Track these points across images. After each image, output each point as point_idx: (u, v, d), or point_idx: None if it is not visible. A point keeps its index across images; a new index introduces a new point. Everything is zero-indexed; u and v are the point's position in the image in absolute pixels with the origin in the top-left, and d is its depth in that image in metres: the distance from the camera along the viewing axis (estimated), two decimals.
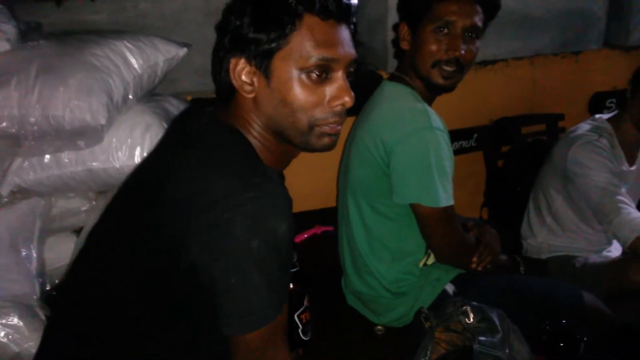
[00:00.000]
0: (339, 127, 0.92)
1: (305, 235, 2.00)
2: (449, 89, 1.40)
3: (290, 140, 0.92)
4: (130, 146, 1.46)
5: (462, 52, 1.33)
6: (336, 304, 1.62)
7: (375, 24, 2.19)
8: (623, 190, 1.66)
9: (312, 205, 2.17)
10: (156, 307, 0.86)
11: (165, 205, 0.85)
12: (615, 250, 1.85)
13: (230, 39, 0.89)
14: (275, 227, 0.80)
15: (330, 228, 1.92)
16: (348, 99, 0.89)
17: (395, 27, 1.45)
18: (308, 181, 2.14)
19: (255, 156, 0.90)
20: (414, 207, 1.35)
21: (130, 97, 1.48)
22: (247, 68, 0.89)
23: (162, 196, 0.86)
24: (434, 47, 1.33)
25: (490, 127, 2.29)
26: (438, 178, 1.29)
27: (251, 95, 0.90)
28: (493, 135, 2.26)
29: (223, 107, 0.95)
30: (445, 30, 1.33)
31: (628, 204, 1.62)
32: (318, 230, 2.02)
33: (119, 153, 1.46)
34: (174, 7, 1.87)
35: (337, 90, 0.89)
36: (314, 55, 0.86)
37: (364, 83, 1.70)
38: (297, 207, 2.22)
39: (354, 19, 0.93)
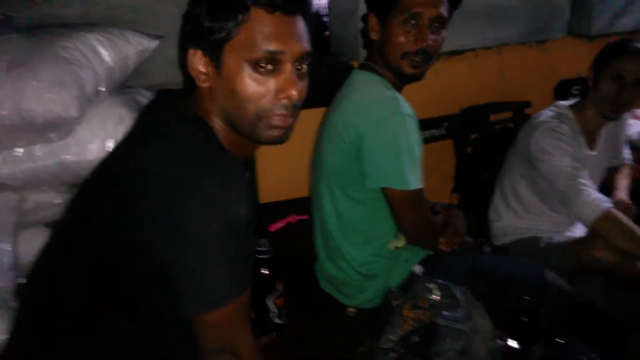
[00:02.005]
0: (290, 120, 0.93)
1: (281, 224, 2.03)
2: (418, 77, 1.44)
3: (241, 131, 0.94)
4: (102, 139, 1.47)
5: (430, 42, 1.37)
6: (310, 288, 1.66)
7: (347, 16, 2.22)
8: (584, 173, 1.72)
9: (287, 195, 2.20)
10: (120, 294, 0.89)
11: (129, 194, 0.87)
12: (578, 231, 1.92)
13: (190, 29, 0.92)
14: (235, 212, 0.83)
15: (305, 217, 1.96)
16: (294, 92, 0.90)
17: (364, 18, 1.48)
18: (283, 171, 2.18)
19: (217, 143, 0.92)
20: (385, 191, 1.39)
21: (102, 89, 1.49)
22: (203, 58, 0.91)
23: (126, 185, 0.88)
24: (402, 39, 1.38)
25: (459, 116, 2.34)
26: (408, 162, 1.34)
27: (206, 85, 0.92)
28: (462, 123, 2.31)
29: (188, 96, 0.97)
30: (413, 22, 1.37)
31: (589, 186, 1.69)
32: (293, 219, 2.06)
33: (92, 146, 1.47)
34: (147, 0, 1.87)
35: (284, 83, 0.90)
36: (260, 48, 0.87)
37: (337, 73, 1.74)
38: (273, 197, 2.29)
39: (308, 12, 0.94)
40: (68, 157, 1.45)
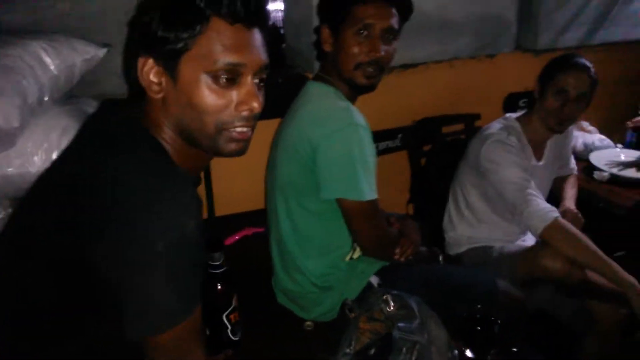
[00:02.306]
0: (249, 133, 0.92)
1: (236, 237, 2.00)
2: (371, 88, 1.46)
3: (199, 144, 0.91)
4: (46, 150, 1.41)
5: (382, 53, 1.39)
6: (266, 303, 1.64)
7: (301, 27, 2.22)
8: (532, 184, 1.77)
9: (243, 207, 2.17)
10: (65, 310, 0.84)
11: (72, 207, 0.83)
12: (529, 239, 1.97)
13: (140, 37, 0.88)
14: (183, 228, 0.80)
15: (261, 229, 1.94)
16: (256, 105, 0.89)
17: (317, 30, 1.49)
18: (238, 183, 2.15)
19: (165, 157, 0.89)
20: (340, 202, 1.39)
21: (46, 99, 1.43)
22: (155, 68, 0.88)
23: (70, 198, 0.84)
24: (355, 50, 1.39)
25: (412, 128, 2.38)
26: (362, 173, 1.34)
27: (159, 96, 0.89)
28: (416, 135, 2.34)
29: (136, 107, 0.93)
30: (365, 33, 1.38)
31: (537, 196, 1.73)
32: (249, 231, 2.03)
33: (35, 158, 1.41)
34: (94, 8, 1.81)
35: (245, 95, 0.88)
36: (221, 59, 0.85)
37: (292, 85, 1.74)
38: (228, 210, 2.25)
39: (266, 24, 0.94)
40: (10, 170, 1.39)
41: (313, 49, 1.57)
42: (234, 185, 2.17)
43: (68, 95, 1.57)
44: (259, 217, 1.81)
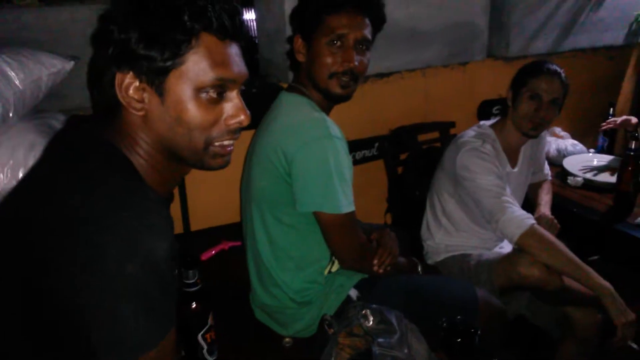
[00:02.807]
0: (232, 147, 0.92)
1: (213, 252, 1.97)
2: (346, 98, 1.44)
3: (184, 159, 0.91)
4: (12, 167, 1.36)
5: (356, 63, 1.38)
6: (244, 319, 1.60)
7: (274, 37, 2.21)
8: (508, 191, 1.78)
9: (218, 221, 2.14)
10: (30, 336, 0.80)
11: (37, 227, 0.79)
12: (507, 246, 1.97)
13: (116, 53, 0.85)
14: (153, 249, 0.76)
15: (238, 243, 1.91)
16: (244, 117, 0.89)
17: (290, 40, 1.48)
18: (213, 197, 2.12)
19: (134, 175, 0.87)
20: (317, 215, 1.37)
21: (11, 115, 1.38)
22: (136, 84, 0.85)
23: (35, 217, 0.80)
24: (329, 60, 1.38)
25: (389, 136, 2.38)
26: (339, 185, 1.33)
27: (140, 113, 0.87)
28: (391, 144, 2.35)
29: (105, 122, 0.90)
30: (339, 43, 1.37)
31: (512, 204, 1.74)
32: (225, 246, 2.00)
33: (0, 175, 1.36)
34: (60, 19, 1.77)
35: (234, 109, 0.89)
36: (211, 75, 0.85)
37: (265, 95, 1.72)
38: (204, 224, 2.21)
39: (245, 37, 0.94)
40: None
41: (287, 59, 1.56)
42: (209, 199, 2.14)
43: (35, 110, 1.52)
44: (236, 230, 1.78)
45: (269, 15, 2.24)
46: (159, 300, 0.79)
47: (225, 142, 0.90)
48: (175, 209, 2.11)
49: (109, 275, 0.74)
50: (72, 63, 1.53)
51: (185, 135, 0.87)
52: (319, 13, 1.37)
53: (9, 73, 1.38)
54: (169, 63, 0.83)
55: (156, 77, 0.84)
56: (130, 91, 0.85)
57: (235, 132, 0.91)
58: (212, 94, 0.86)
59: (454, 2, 2.44)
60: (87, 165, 0.84)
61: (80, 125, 0.95)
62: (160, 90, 0.85)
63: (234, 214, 1.87)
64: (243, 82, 0.91)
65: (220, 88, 0.87)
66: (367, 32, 1.40)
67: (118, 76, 0.85)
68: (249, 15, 2.95)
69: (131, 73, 0.85)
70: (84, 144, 0.88)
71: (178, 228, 2.15)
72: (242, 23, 0.91)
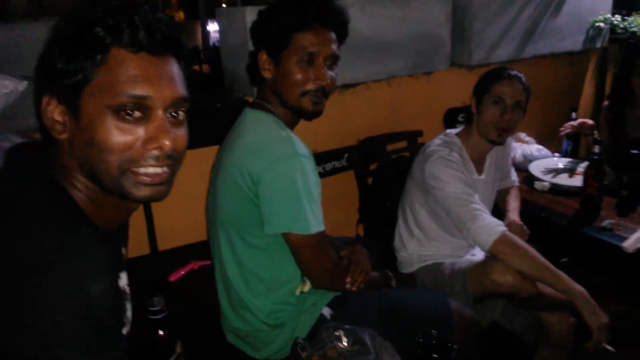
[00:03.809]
0: (165, 175, 0.82)
1: (182, 272, 1.91)
2: (318, 114, 1.41)
3: (107, 188, 0.82)
4: None
5: (328, 80, 1.36)
6: (216, 343, 1.55)
7: (237, 50, 2.18)
8: (477, 198, 1.78)
9: (187, 240, 2.09)
10: None
11: None
12: (478, 252, 1.98)
13: (44, 73, 0.80)
14: (87, 293, 0.71)
15: (208, 262, 1.85)
16: (167, 142, 0.79)
17: (253, 55, 1.44)
18: (180, 214, 2.06)
19: (71, 213, 0.80)
20: (286, 236, 1.34)
21: None
22: (59, 107, 0.79)
23: None
24: (300, 77, 1.35)
25: (357, 147, 2.37)
26: (307, 205, 1.30)
27: (63, 136, 0.80)
28: (360, 154, 2.33)
29: (46, 152, 0.84)
30: (308, 60, 1.35)
31: (483, 211, 1.74)
32: (195, 265, 1.94)
33: None
34: (13, 37, 1.70)
35: (154, 131, 0.79)
36: (124, 92, 0.77)
37: (230, 110, 1.68)
38: (171, 243, 2.15)
39: (180, 53, 0.85)
40: None
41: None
42: (176, 217, 2.08)
43: None
44: (205, 248, 1.73)
45: (231, 28, 2.21)
46: (94, 347, 0.72)
47: (150, 170, 0.80)
48: (141, 228, 2.05)
49: (41, 326, 0.69)
50: (24, 83, 1.47)
51: (100, 159, 0.79)
52: (287, 31, 1.34)
53: None
54: (79, 77, 0.77)
55: (71, 95, 0.78)
56: (55, 115, 0.80)
57: (159, 159, 0.80)
58: (130, 113, 0.78)
59: (416, 14, 2.46)
60: (21, 207, 0.77)
61: (20, 159, 0.87)
62: (75, 110, 0.79)
63: (202, 232, 1.82)
64: (173, 102, 0.81)
65: (139, 107, 0.78)
66: (336, 48, 1.38)
67: (44, 99, 0.80)
68: (214, 27, 2.91)
69: (55, 95, 0.79)
70: (20, 177, 0.81)
71: (144, 249, 2.09)
72: (168, 38, 0.81)
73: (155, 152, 0.80)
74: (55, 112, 0.80)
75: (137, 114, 0.79)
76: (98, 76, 0.77)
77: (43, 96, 0.80)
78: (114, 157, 0.79)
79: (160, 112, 0.80)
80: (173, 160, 0.83)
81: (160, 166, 0.81)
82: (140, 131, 0.79)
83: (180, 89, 0.83)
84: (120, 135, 0.78)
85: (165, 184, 0.83)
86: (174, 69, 0.83)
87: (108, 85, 0.77)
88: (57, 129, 0.80)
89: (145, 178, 0.81)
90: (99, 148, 0.78)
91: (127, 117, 0.78)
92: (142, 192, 0.82)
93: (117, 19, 0.78)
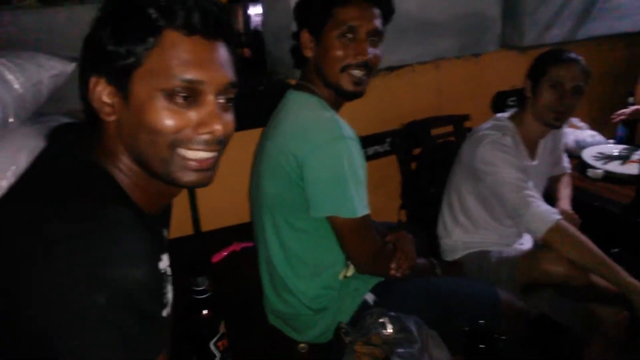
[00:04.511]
0: (212, 160, 0.82)
1: (224, 253, 1.92)
2: (359, 94, 1.38)
3: (154, 172, 0.81)
4: (14, 173, 1.30)
5: (370, 55, 1.32)
6: (258, 324, 1.56)
7: (280, 33, 2.16)
8: (530, 184, 1.72)
9: (229, 221, 2.10)
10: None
11: (8, 253, 0.73)
12: (527, 242, 1.92)
13: (91, 54, 0.79)
14: (124, 276, 0.70)
15: (250, 244, 1.86)
16: (218, 127, 0.79)
17: (296, 36, 1.41)
18: (223, 196, 2.07)
19: (113, 196, 0.79)
20: (331, 219, 1.32)
21: (11, 120, 1.33)
22: (108, 88, 0.79)
23: (6, 243, 0.74)
24: (340, 52, 1.31)
25: (401, 131, 2.32)
26: (353, 188, 1.27)
27: (112, 118, 0.80)
28: (404, 138, 2.29)
29: (90, 135, 0.84)
30: (350, 35, 1.31)
31: (536, 198, 1.68)
32: (237, 247, 1.95)
33: (2, 182, 1.31)
34: (60, 20, 1.72)
35: (206, 116, 0.79)
36: (177, 76, 0.76)
37: (273, 92, 1.67)
38: (214, 224, 2.17)
39: (231, 38, 0.84)
40: None
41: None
42: (219, 199, 2.09)
43: (37, 114, 1.48)
44: (247, 230, 1.74)
45: (274, 10, 2.18)
46: (134, 330, 0.72)
47: (199, 154, 0.80)
48: (185, 210, 2.08)
49: (77, 308, 0.68)
50: (73, 65, 1.48)
51: (150, 142, 0.78)
52: (328, 6, 1.31)
53: (8, 77, 1.33)
54: (131, 60, 0.76)
55: (121, 78, 0.78)
56: (104, 96, 0.79)
57: (209, 144, 0.80)
58: (181, 97, 0.77)
59: None
60: (61, 190, 0.77)
61: (63, 141, 0.88)
62: (125, 92, 0.78)
63: (245, 214, 1.82)
64: (224, 87, 0.81)
65: (190, 91, 0.78)
66: (379, 23, 1.34)
67: (92, 80, 0.79)
68: (255, 10, 2.89)
69: (104, 76, 0.79)
70: (62, 164, 0.81)
71: (188, 229, 2.12)
72: (220, 21, 0.80)
73: (206, 137, 0.80)
74: (104, 93, 0.79)
75: (189, 98, 0.78)
76: (150, 59, 0.76)
77: (90, 77, 0.79)
78: (164, 139, 0.78)
79: (211, 97, 0.80)
80: (222, 145, 0.83)
81: (210, 151, 0.81)
82: (192, 115, 0.79)
83: (230, 75, 0.82)
84: (171, 118, 0.77)
85: (211, 170, 0.83)
86: (225, 53, 0.82)
87: (160, 68, 0.76)
88: (106, 110, 0.80)
89: (193, 163, 0.80)
90: (149, 130, 0.78)
91: (179, 100, 0.77)
92: (189, 177, 0.81)
93: (170, 0, 0.77)
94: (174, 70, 0.76)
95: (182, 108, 0.78)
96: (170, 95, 0.77)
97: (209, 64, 0.79)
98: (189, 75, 0.77)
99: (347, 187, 1.26)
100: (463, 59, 2.50)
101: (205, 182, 0.83)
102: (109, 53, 0.77)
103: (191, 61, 0.77)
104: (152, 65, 0.76)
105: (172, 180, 0.82)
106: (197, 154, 0.80)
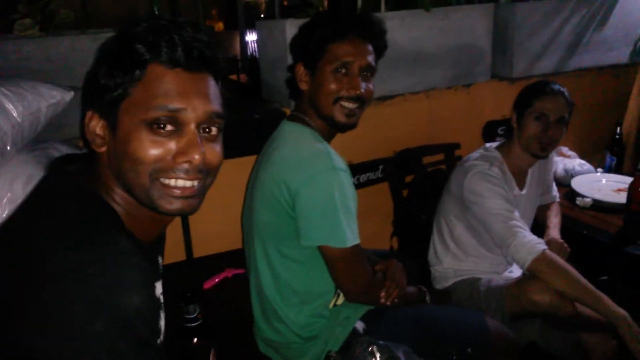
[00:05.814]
0: (194, 189, 0.84)
1: (216, 280, 1.93)
2: (351, 126, 1.42)
3: (139, 200, 0.84)
4: (10, 200, 1.33)
5: (362, 90, 1.36)
6: (248, 352, 1.56)
7: (276, 63, 2.20)
8: (517, 214, 1.74)
9: (222, 248, 2.11)
10: None
11: (6, 280, 0.75)
12: (516, 270, 1.93)
13: (89, 89, 0.84)
14: (124, 304, 0.72)
15: (242, 271, 1.87)
16: (197, 156, 0.81)
17: (291, 68, 1.46)
18: (215, 222, 2.09)
19: (109, 224, 0.82)
20: (322, 249, 1.34)
21: (9, 148, 1.36)
22: (101, 122, 0.83)
23: (8, 269, 0.76)
24: (334, 86, 1.36)
25: (393, 159, 2.35)
26: (344, 218, 1.30)
27: (102, 149, 0.84)
28: (396, 166, 2.32)
29: (88, 165, 0.88)
30: (344, 71, 1.36)
31: (522, 228, 1.70)
32: (229, 273, 1.96)
33: None
34: (61, 49, 1.76)
35: (185, 145, 0.81)
36: (158, 105, 0.79)
37: (268, 121, 1.70)
38: (207, 251, 2.17)
39: (217, 71, 0.87)
40: None
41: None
42: (212, 225, 2.11)
43: (34, 141, 1.50)
44: (240, 257, 1.75)
45: (271, 40, 2.23)
46: (131, 356, 0.74)
47: (180, 183, 0.82)
48: (177, 235, 2.09)
49: (79, 335, 0.70)
50: (71, 93, 1.52)
51: (132, 171, 0.81)
52: (323, 42, 1.35)
53: (7, 106, 1.36)
54: (119, 92, 0.80)
55: (110, 110, 0.81)
56: (96, 129, 0.83)
57: (188, 172, 0.82)
58: (163, 127, 0.80)
59: (457, 25, 2.43)
60: (62, 218, 0.79)
61: (63, 170, 0.91)
62: (113, 124, 0.82)
63: (238, 241, 1.83)
64: (207, 117, 0.83)
65: (172, 121, 0.80)
66: (372, 59, 1.38)
67: (87, 114, 0.84)
68: (252, 37, 2.94)
69: (97, 110, 0.83)
70: (63, 193, 0.84)
71: (180, 255, 2.12)
72: (204, 55, 0.84)
73: (185, 166, 0.82)
74: (97, 126, 0.83)
75: (169, 127, 0.81)
76: (135, 91, 0.80)
77: (87, 111, 0.83)
78: (145, 168, 0.81)
79: (192, 126, 0.82)
80: (204, 174, 0.84)
81: (190, 179, 0.83)
82: (172, 145, 0.81)
83: (214, 105, 0.84)
84: (152, 147, 0.80)
85: (195, 198, 0.85)
86: (209, 85, 0.85)
87: (144, 99, 0.80)
88: (97, 142, 0.84)
89: (175, 191, 0.83)
90: (131, 159, 0.81)
91: (160, 130, 0.80)
92: (172, 205, 0.83)
93: (157, 36, 0.81)
94: (156, 100, 0.80)
95: (163, 138, 0.81)
96: (151, 125, 0.80)
97: (190, 94, 0.82)
98: (169, 104, 0.80)
99: (337, 217, 1.28)
100: (454, 89, 2.55)
101: (190, 210, 0.85)
102: (101, 87, 0.81)
103: (172, 91, 0.80)
104: (137, 97, 0.80)
105: (155, 208, 0.84)
106: (177, 182, 0.82)
